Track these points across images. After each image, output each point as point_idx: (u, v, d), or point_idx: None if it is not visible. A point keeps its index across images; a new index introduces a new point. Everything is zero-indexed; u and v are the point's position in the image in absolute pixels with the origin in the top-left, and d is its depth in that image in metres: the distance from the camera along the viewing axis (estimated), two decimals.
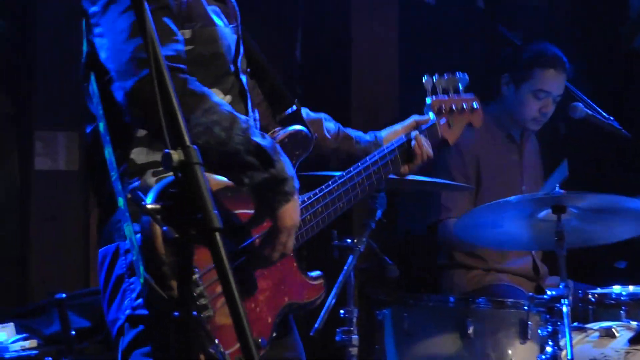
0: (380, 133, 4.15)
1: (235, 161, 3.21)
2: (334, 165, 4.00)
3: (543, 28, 8.26)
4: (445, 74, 4.42)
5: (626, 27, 8.10)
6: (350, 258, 5.20)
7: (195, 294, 3.21)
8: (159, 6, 3.23)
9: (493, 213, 5.67)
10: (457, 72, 4.47)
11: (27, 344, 5.51)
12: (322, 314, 5.05)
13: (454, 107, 4.38)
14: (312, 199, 3.70)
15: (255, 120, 3.71)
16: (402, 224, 7.39)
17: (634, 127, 7.36)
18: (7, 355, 5.40)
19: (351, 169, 3.85)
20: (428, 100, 4.32)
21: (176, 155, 2.42)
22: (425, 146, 4.08)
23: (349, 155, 3.98)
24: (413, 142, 4.04)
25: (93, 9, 3.34)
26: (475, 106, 4.51)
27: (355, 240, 5.28)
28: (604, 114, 6.58)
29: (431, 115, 4.29)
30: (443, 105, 4.34)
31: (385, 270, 5.70)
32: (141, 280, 3.19)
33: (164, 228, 2.45)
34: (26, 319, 5.70)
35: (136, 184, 3.34)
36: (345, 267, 5.19)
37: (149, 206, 2.54)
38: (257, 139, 3.22)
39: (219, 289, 3.23)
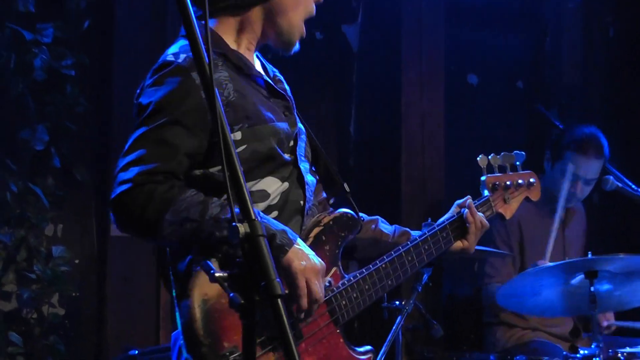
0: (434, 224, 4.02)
1: (215, 240, 3.21)
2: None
3: (578, 106, 8.25)
4: (501, 153, 4.37)
5: None
6: (398, 319, 5.24)
7: None
8: (169, 120, 3.27)
9: (532, 280, 5.65)
10: (514, 151, 4.41)
11: None
12: None
13: (509, 184, 4.31)
14: (358, 277, 3.67)
15: (310, 203, 3.67)
16: (447, 287, 7.39)
17: None
18: None
19: (400, 247, 3.81)
20: (483, 178, 4.26)
21: (242, 228, 2.48)
22: (478, 214, 4.01)
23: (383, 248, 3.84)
24: (465, 213, 3.97)
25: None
26: (532, 181, 4.44)
27: (403, 302, 5.32)
28: (634, 186, 6.58)
29: (485, 192, 4.23)
30: (498, 182, 4.27)
31: (431, 330, 5.72)
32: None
33: (231, 294, 2.48)
34: None
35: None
36: (394, 328, 5.23)
37: (217, 274, 2.59)
38: (229, 215, 3.17)
39: None
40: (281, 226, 3.34)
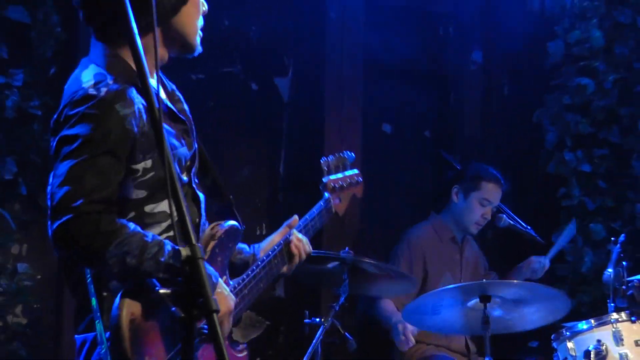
0: (260, 244, 3.96)
1: (151, 280, 3.14)
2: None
3: (476, 152, 8.33)
4: (333, 155, 4.39)
5: (542, 155, 8.19)
6: (318, 334, 5.27)
7: None
8: (100, 151, 3.14)
9: (433, 300, 5.69)
10: (345, 152, 4.43)
11: None
12: None
13: (344, 185, 4.34)
14: (241, 284, 3.67)
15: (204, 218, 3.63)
16: (360, 306, 7.40)
17: (546, 235, 7.46)
18: None
19: (254, 267, 3.78)
20: (324, 179, 4.29)
21: (184, 252, 2.48)
22: (302, 243, 3.95)
23: (230, 263, 3.75)
24: (290, 241, 3.92)
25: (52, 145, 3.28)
26: (358, 180, 4.47)
27: (322, 319, 5.34)
28: (523, 223, 6.66)
29: (325, 194, 4.26)
30: (336, 184, 4.30)
31: (346, 344, 5.74)
32: None
33: (173, 308, 2.48)
34: None
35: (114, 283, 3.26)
36: (314, 341, 5.25)
37: (161, 291, 2.60)
38: (165, 258, 3.11)
39: None
40: (209, 269, 3.26)
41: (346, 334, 5.73)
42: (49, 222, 3.13)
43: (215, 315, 2.46)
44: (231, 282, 3.66)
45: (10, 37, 6.03)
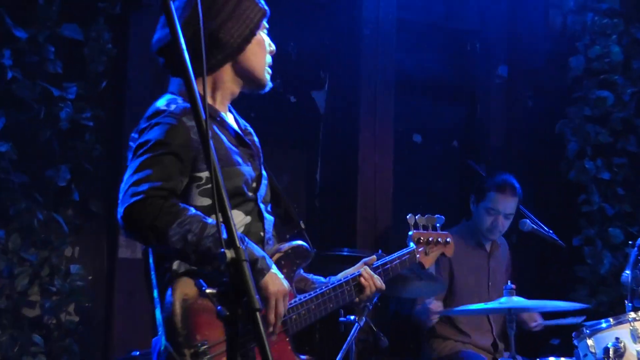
0: (336, 277, 3.99)
1: (211, 255, 3.24)
2: None
3: (501, 162, 8.32)
4: (426, 215, 4.40)
5: (563, 164, 8.17)
6: (352, 331, 5.26)
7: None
8: (167, 151, 3.33)
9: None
10: (436, 215, 4.45)
11: None
12: None
13: (430, 240, 4.36)
14: (307, 297, 3.71)
15: (268, 235, 3.71)
16: (392, 306, 7.40)
17: (567, 239, 7.44)
18: None
19: (323, 286, 3.82)
20: (410, 232, 4.30)
21: (229, 254, 2.50)
22: (372, 278, 3.98)
23: (303, 291, 3.82)
24: (360, 275, 3.95)
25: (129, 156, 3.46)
26: (448, 240, 4.48)
27: (356, 318, 5.33)
28: (546, 227, 6.64)
29: (411, 244, 4.28)
30: (422, 238, 4.32)
31: (378, 341, 5.74)
32: (162, 347, 3.28)
33: (218, 307, 2.51)
34: None
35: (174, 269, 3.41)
36: (348, 339, 5.24)
37: (208, 291, 2.62)
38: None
39: (224, 358, 3.26)
40: (262, 253, 3.41)
41: (379, 332, 5.72)
42: (118, 208, 3.30)
43: (258, 313, 2.47)
44: (298, 295, 3.71)
45: (65, 53, 6.08)
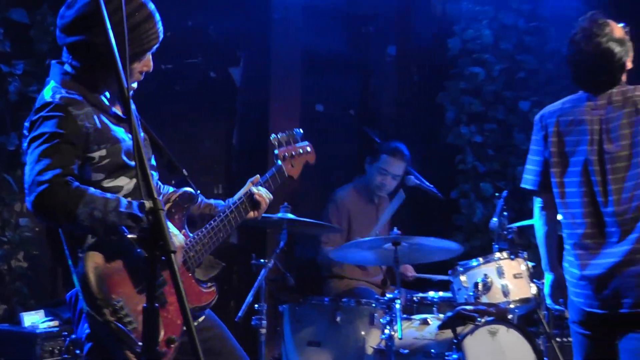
0: (233, 198, 3.98)
1: (117, 229, 3.23)
2: (202, 223, 3.85)
3: (391, 127, 8.39)
4: (282, 132, 4.34)
5: (443, 129, 8.27)
6: (262, 272, 5.30)
7: (122, 315, 3.26)
8: (61, 141, 3.26)
9: (356, 244, 5.77)
10: (294, 129, 4.42)
11: (52, 323, 5.54)
12: (243, 307, 5.15)
13: (294, 153, 4.32)
14: (199, 235, 3.72)
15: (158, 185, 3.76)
16: (297, 250, 7.45)
17: (446, 192, 7.54)
18: (38, 331, 5.42)
19: (220, 213, 3.83)
20: (276, 152, 4.23)
21: (148, 204, 2.50)
22: (262, 194, 3.97)
23: (211, 216, 3.85)
24: (253, 193, 3.94)
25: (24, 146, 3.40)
26: (309, 150, 4.43)
27: (266, 260, 5.38)
28: (427, 182, 6.70)
29: (278, 162, 4.20)
30: (286, 153, 4.27)
31: (286, 281, 5.79)
32: (85, 311, 3.28)
33: (138, 250, 2.50)
34: (52, 307, 5.71)
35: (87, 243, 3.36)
36: (259, 278, 5.28)
37: (129, 236, 2.62)
38: (124, 209, 3.23)
39: (139, 307, 3.26)
40: None
41: (286, 272, 5.76)
42: (27, 198, 3.25)
43: (173, 255, 2.48)
44: (190, 235, 3.70)
45: (13, 34, 5.98)
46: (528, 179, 4.17)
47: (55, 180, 3.19)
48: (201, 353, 2.45)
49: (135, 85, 3.61)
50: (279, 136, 4.31)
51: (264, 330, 5.36)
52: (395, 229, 5.69)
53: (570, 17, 8.39)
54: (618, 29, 4.05)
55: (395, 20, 8.60)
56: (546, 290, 4.27)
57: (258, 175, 4.10)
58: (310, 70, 7.86)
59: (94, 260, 3.28)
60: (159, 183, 3.81)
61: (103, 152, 3.38)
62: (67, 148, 3.27)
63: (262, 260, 5.40)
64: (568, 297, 4.08)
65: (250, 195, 3.96)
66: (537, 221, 4.23)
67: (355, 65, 8.51)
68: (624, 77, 4.04)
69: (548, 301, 4.30)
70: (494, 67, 8.22)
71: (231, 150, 7.63)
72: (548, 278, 4.20)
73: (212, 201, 3.98)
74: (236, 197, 3.99)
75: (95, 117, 3.38)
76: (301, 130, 4.44)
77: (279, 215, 5.51)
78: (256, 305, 5.34)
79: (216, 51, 7.49)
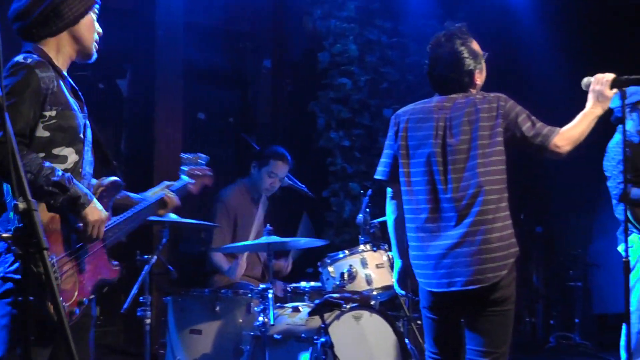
0: (146, 192, 4.11)
1: (44, 191, 3.30)
2: (119, 212, 3.89)
3: (268, 134, 8.40)
4: (191, 153, 4.52)
5: (315, 134, 8.32)
6: (145, 267, 5.26)
7: (53, 270, 3.27)
8: (18, 100, 3.34)
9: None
10: (199, 153, 4.55)
11: None
12: (128, 299, 5.09)
13: (199, 173, 4.44)
14: (119, 220, 3.77)
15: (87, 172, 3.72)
16: (182, 247, 7.39)
17: (318, 191, 7.58)
18: None
19: (135, 207, 3.91)
20: (185, 168, 4.39)
21: (22, 205, 2.45)
22: (173, 198, 4.10)
23: (127, 206, 3.92)
24: (164, 197, 4.07)
25: None
26: (209, 173, 4.52)
27: (150, 256, 5.32)
28: (299, 183, 6.72)
29: (185, 178, 4.34)
30: (192, 172, 4.40)
31: (169, 274, 5.74)
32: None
33: (13, 247, 2.47)
34: None
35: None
36: (143, 273, 5.24)
37: (3, 235, 2.57)
38: (55, 177, 3.32)
39: (65, 267, 3.38)
40: (85, 190, 3.46)
41: (169, 266, 5.71)
42: None
43: (45, 252, 2.44)
44: (113, 218, 3.74)
45: None
46: (380, 171, 4.24)
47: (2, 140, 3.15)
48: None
49: (94, 50, 3.75)
50: (187, 156, 4.50)
51: (148, 321, 5.31)
52: (267, 226, 5.68)
53: (428, 34, 8.70)
54: (475, 44, 4.15)
55: (270, 36, 8.61)
56: (395, 276, 4.30)
57: (174, 182, 4.24)
58: (192, 82, 7.81)
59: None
60: (90, 171, 3.76)
61: (53, 113, 3.44)
62: (23, 108, 3.34)
63: (145, 257, 5.34)
64: (418, 283, 4.14)
65: (162, 197, 4.07)
66: (388, 210, 4.29)
67: (234, 77, 8.50)
68: (473, 90, 4.13)
69: (396, 287, 4.31)
70: (360, 78, 8.31)
71: (119, 156, 7.51)
72: (397, 264, 4.25)
73: (129, 194, 4.03)
74: (149, 193, 4.08)
75: (56, 80, 3.46)
76: (207, 157, 4.58)
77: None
78: (141, 298, 5.28)
79: (104, 64, 7.35)
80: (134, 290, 5.13)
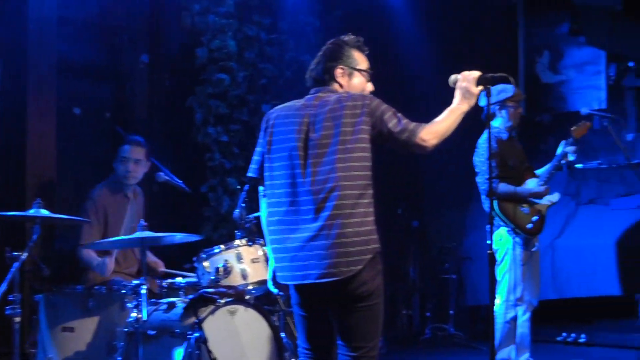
0: None
1: None
2: None
3: (145, 129, 8.31)
4: None
5: (193, 130, 8.30)
6: (15, 264, 5.15)
7: None
8: None
9: (110, 244, 5.72)
10: None
11: None
12: None
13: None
14: None
15: None
16: (57, 243, 7.26)
17: (196, 187, 7.56)
18: None
19: None
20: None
21: None
22: None
23: None
24: None
25: None
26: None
27: (19, 253, 5.21)
28: (176, 179, 6.66)
29: None
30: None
31: (41, 271, 5.63)
32: None
33: None
34: None
35: None
36: (11, 270, 5.13)
37: None
38: None
39: None
40: None
41: (40, 263, 5.60)
42: None
43: None
44: None
45: None
46: (251, 168, 4.28)
47: None
48: None
49: None
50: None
51: (18, 319, 5.18)
52: (142, 221, 5.63)
53: (306, 31, 8.82)
54: (354, 51, 4.25)
55: (147, 31, 8.53)
56: (269, 274, 4.32)
57: None
58: (67, 76, 7.66)
59: None
60: None
61: None
62: None
63: (15, 253, 5.23)
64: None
65: None
66: (261, 207, 4.33)
67: (110, 72, 8.38)
68: (339, 88, 4.20)
69: (270, 285, 4.32)
70: (239, 73, 8.33)
71: None
72: (272, 263, 4.27)
73: None
74: None
75: None
76: None
77: (32, 211, 5.36)
78: (10, 296, 5.16)
79: None
80: (3, 288, 5.02)
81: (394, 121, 4.03)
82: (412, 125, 4.05)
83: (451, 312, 9.38)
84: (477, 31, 9.91)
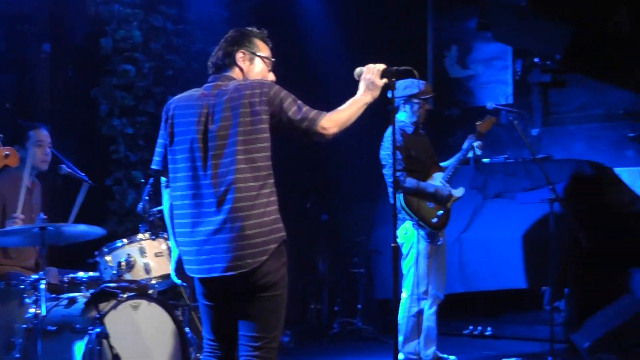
0: None
1: None
2: None
3: (47, 119, 8.15)
4: None
5: (98, 121, 8.19)
6: None
7: None
8: None
9: (5, 234, 5.56)
10: None
11: None
12: None
13: None
14: None
15: None
16: None
17: (101, 180, 7.45)
18: None
19: None
20: None
21: None
22: None
23: None
24: None
25: None
26: (7, 154, 4.33)
27: None
28: (79, 171, 6.52)
29: None
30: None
31: None
32: None
33: None
34: None
35: None
36: None
37: None
38: None
39: None
40: None
41: None
42: None
43: None
44: None
45: None
46: (154, 160, 4.24)
47: None
48: None
49: None
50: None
51: None
52: (41, 214, 5.53)
53: (214, 22, 8.78)
54: (262, 44, 4.24)
55: (50, 20, 8.39)
56: (172, 265, 4.29)
57: None
58: None
59: None
60: None
61: None
62: None
63: None
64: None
65: None
66: (163, 199, 4.30)
67: (11, 61, 8.23)
68: (239, 76, 4.19)
69: (172, 276, 4.29)
70: (145, 65, 8.26)
71: None
72: (174, 254, 4.25)
73: None
74: None
75: None
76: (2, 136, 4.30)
77: None
78: None
79: None
80: None
81: (293, 109, 4.02)
82: (313, 113, 4.05)
83: (359, 306, 9.45)
84: (387, 24, 10.01)
